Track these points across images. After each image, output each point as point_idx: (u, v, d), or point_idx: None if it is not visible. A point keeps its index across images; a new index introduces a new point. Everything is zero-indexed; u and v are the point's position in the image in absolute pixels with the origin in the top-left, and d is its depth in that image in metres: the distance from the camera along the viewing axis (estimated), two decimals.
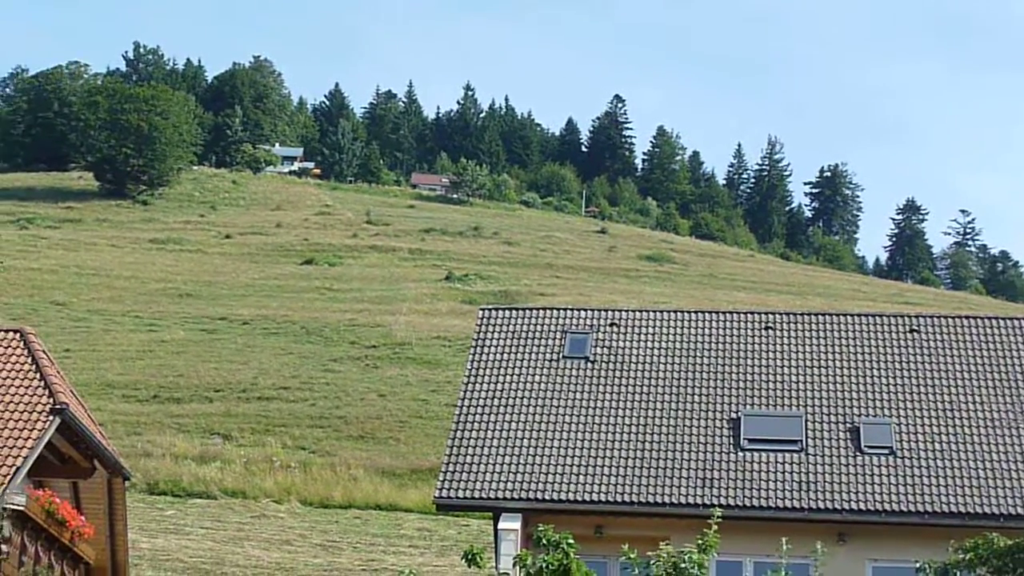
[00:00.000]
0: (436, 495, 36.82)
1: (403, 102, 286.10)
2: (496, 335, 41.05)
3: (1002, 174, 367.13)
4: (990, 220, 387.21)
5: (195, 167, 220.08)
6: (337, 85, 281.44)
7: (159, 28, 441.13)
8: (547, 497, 36.14)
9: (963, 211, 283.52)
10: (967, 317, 42.87)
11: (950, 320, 41.67)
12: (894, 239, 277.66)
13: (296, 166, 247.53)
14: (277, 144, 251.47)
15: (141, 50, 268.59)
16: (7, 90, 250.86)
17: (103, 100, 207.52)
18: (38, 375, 35.06)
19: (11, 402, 34.22)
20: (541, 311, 43.04)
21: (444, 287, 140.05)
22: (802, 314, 42.57)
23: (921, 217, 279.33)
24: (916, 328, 40.76)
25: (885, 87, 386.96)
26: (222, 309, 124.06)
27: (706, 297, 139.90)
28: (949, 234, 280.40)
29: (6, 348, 35.99)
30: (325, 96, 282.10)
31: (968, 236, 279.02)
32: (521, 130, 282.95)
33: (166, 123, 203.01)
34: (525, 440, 37.51)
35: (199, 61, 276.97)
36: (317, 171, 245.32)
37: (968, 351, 39.95)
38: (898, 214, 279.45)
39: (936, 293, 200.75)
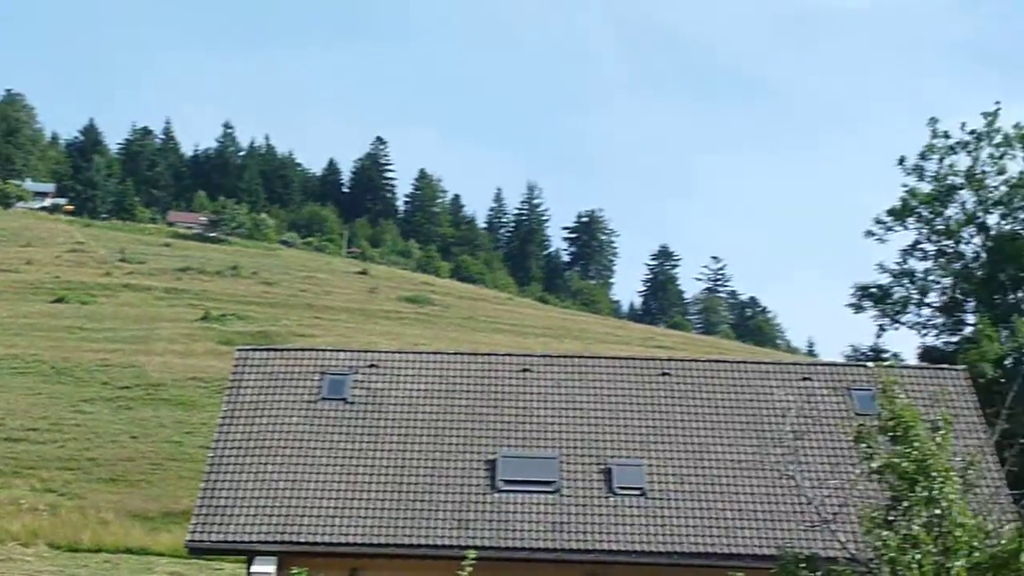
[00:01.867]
0: (189, 538, 36.26)
1: (160, 139, 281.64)
2: (253, 376, 40.67)
3: (752, 224, 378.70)
4: (740, 267, 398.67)
5: None
6: (92, 121, 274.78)
7: None
8: (302, 540, 35.87)
9: (714, 258, 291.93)
10: (716, 361, 44.14)
11: (700, 364, 42.80)
12: (648, 284, 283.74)
13: (48, 202, 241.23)
14: (28, 179, 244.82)
15: None
16: None
17: None
18: None
19: None
20: (299, 352, 42.84)
21: (201, 327, 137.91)
22: (558, 356, 43.25)
23: (674, 263, 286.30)
24: (667, 371, 41.73)
25: (640, 134, 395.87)
26: None
27: (466, 339, 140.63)
28: (701, 280, 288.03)
29: None
30: (79, 132, 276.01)
31: (718, 282, 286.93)
32: (282, 169, 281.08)
33: None
34: (281, 482, 37.18)
35: None
36: (70, 207, 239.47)
37: (717, 394, 41.02)
38: (652, 260, 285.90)
39: (687, 337, 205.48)
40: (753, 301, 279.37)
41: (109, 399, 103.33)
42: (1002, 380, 58.63)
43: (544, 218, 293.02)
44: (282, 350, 43.37)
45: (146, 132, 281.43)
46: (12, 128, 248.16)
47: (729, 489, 37.69)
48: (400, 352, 43.11)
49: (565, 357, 43.17)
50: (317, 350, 42.85)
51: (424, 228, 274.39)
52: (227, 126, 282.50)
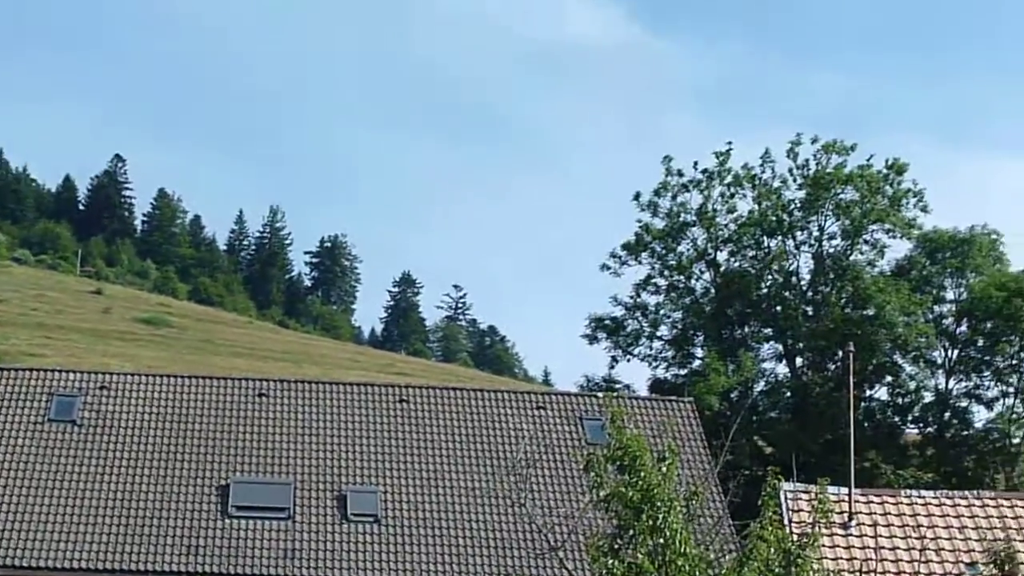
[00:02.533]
0: None
1: None
2: None
3: (493, 253, 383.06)
4: (481, 296, 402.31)
5: None
6: None
7: None
8: (25, 564, 34.95)
9: (456, 286, 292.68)
10: (454, 388, 44.58)
11: (437, 391, 43.19)
12: (390, 311, 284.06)
13: None
14: None
15: None
16: None
17: None
18: None
19: None
20: (27, 372, 41.77)
21: None
22: (295, 381, 43.11)
23: (416, 290, 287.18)
24: (405, 399, 41.99)
25: (383, 162, 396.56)
26: None
27: (203, 363, 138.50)
28: (442, 308, 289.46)
29: None
30: None
31: (459, 310, 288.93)
32: (14, 184, 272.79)
33: None
34: (4, 505, 36.14)
35: None
36: None
37: (454, 422, 41.43)
38: (394, 286, 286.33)
39: (427, 365, 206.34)
40: (492, 330, 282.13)
41: None
42: (727, 412, 60.62)
43: (287, 241, 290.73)
44: (8, 370, 42.21)
45: None
46: None
47: (462, 516, 38.07)
48: (133, 374, 42.40)
49: (303, 382, 43.08)
50: (45, 370, 41.88)
51: (162, 248, 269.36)
52: None
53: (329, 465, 39.12)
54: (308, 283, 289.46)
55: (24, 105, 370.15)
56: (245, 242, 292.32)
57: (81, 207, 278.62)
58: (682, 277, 69.52)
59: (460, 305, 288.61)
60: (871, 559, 27.68)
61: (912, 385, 68.51)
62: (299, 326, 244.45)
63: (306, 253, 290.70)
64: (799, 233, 69.17)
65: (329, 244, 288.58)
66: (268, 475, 38.47)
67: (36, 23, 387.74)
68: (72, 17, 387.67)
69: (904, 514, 29.86)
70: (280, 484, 38.13)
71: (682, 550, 21.99)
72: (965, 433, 68.93)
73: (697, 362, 67.70)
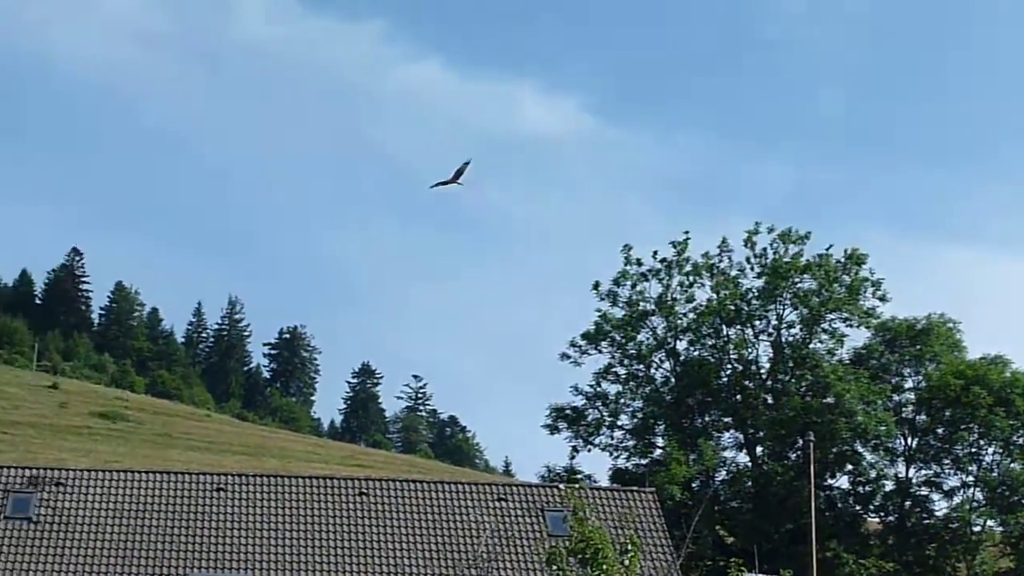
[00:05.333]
0: None
1: None
2: None
3: (453, 341, 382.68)
4: (441, 386, 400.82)
5: None
6: None
7: None
8: None
9: (415, 376, 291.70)
10: (414, 481, 44.32)
11: (399, 483, 42.93)
12: (349, 402, 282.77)
13: None
14: None
15: None
16: None
17: None
18: None
19: None
20: None
21: None
22: (255, 475, 42.78)
23: (376, 381, 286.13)
24: (365, 491, 41.70)
25: (344, 253, 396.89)
26: None
27: (160, 456, 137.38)
28: (402, 398, 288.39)
29: None
30: None
31: (419, 401, 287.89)
32: None
33: None
34: None
35: None
36: None
37: (414, 514, 41.15)
38: (354, 377, 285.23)
39: (388, 456, 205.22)
40: (453, 420, 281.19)
41: None
42: (689, 502, 60.40)
43: (245, 333, 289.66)
44: None
45: None
46: None
47: None
48: (89, 470, 41.99)
49: (262, 476, 42.76)
50: (1, 467, 41.39)
51: (120, 342, 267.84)
52: None
53: (289, 559, 38.75)
54: (267, 375, 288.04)
55: None
56: (203, 334, 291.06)
57: (38, 301, 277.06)
58: (642, 366, 69.55)
59: (420, 395, 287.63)
60: None
61: (873, 473, 68.54)
62: (258, 419, 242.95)
63: (265, 344, 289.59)
64: (758, 322, 69.43)
65: (288, 335, 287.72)
66: (227, 570, 38.07)
67: None
68: (26, 114, 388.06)
69: None
70: None
71: None
72: (926, 522, 68.97)
73: (658, 451, 67.58)
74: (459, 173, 31.40)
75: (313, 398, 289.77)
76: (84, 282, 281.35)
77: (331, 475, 46.56)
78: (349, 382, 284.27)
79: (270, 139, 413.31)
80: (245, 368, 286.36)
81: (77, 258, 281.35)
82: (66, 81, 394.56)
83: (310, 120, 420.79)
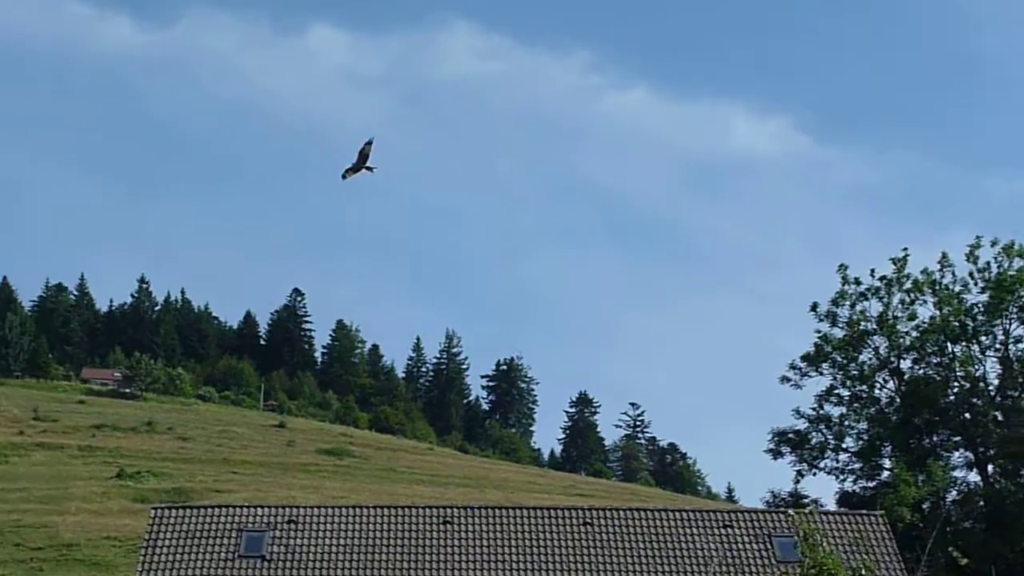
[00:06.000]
0: None
1: (74, 295, 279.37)
2: (169, 534, 40.08)
3: (670, 368, 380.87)
4: (659, 413, 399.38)
5: None
6: (4, 278, 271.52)
7: None
8: None
9: (633, 404, 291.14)
10: (637, 509, 44.04)
11: (621, 512, 42.72)
12: (568, 431, 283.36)
13: None
14: None
15: None
16: None
17: None
18: None
19: None
20: (216, 509, 42.30)
21: (115, 485, 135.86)
22: (479, 508, 43.01)
23: (593, 410, 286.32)
24: (589, 521, 41.61)
25: (557, 283, 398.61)
26: None
27: (386, 491, 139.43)
28: (620, 426, 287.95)
29: None
30: None
31: (638, 428, 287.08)
32: (198, 323, 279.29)
33: None
34: None
35: None
36: None
37: (639, 543, 40.90)
38: (571, 407, 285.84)
39: (608, 485, 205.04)
40: (673, 447, 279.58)
41: (21, 560, 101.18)
42: (920, 524, 58.98)
43: (463, 366, 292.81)
44: (198, 507, 42.86)
45: (60, 288, 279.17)
46: None
47: None
48: (319, 507, 42.71)
49: (486, 508, 42.99)
50: (234, 507, 42.38)
51: (342, 379, 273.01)
52: (142, 280, 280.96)
53: None
54: (486, 406, 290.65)
55: (205, 247, 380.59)
56: (423, 369, 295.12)
57: (262, 342, 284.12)
58: (865, 387, 68.26)
59: (638, 423, 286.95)
60: None
61: None
62: (479, 451, 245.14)
63: (483, 377, 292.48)
64: (984, 338, 67.59)
65: (505, 367, 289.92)
66: None
67: (218, 168, 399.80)
68: (244, 160, 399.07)
69: None
70: None
71: None
72: None
73: (885, 473, 66.22)
74: (365, 156, 29.59)
75: (532, 428, 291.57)
76: (306, 322, 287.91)
77: (554, 505, 46.65)
78: (567, 411, 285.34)
79: (481, 174, 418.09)
80: (464, 401, 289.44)
81: (299, 298, 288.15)
82: (277, 126, 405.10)
83: (520, 152, 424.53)
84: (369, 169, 29.41)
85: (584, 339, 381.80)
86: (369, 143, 29.40)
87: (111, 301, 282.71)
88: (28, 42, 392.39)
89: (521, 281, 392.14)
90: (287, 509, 42.08)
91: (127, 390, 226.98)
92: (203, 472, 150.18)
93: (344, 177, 29.76)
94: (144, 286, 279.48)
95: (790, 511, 43.78)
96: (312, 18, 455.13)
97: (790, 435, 68.19)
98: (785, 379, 68.73)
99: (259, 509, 41.68)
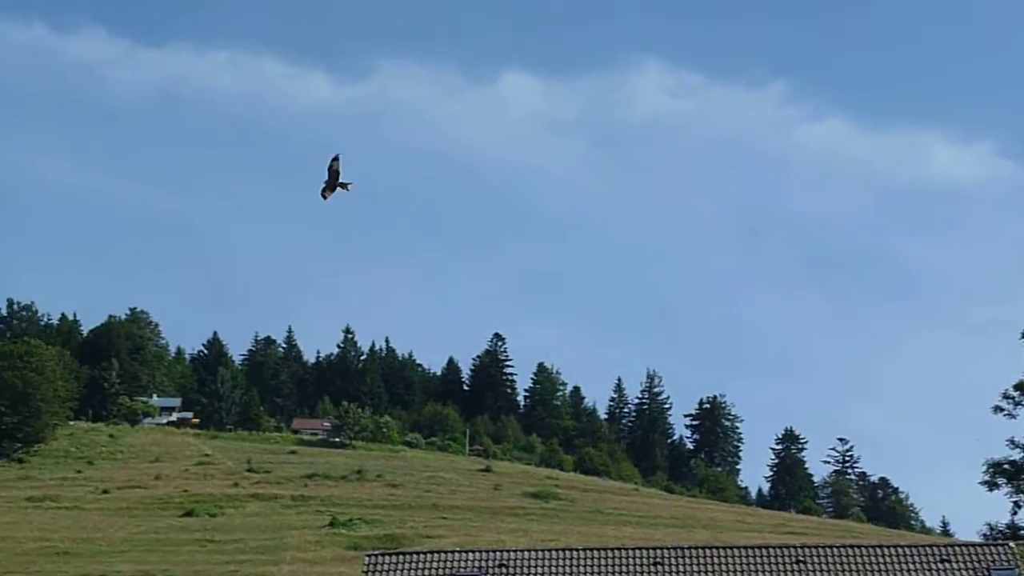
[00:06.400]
0: None
1: (283, 348, 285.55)
2: None
3: (878, 401, 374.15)
4: (868, 447, 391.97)
5: (71, 422, 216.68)
6: (216, 334, 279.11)
7: (33, 284, 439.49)
8: None
9: (841, 439, 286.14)
10: (851, 546, 43.35)
11: (835, 549, 42.07)
12: (775, 469, 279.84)
13: (175, 416, 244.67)
14: (155, 395, 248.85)
15: (15, 307, 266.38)
16: None
17: None
18: None
19: None
20: (428, 555, 42.77)
21: (328, 533, 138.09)
22: (689, 548, 42.78)
23: (800, 446, 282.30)
24: (802, 559, 41.07)
25: (758, 319, 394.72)
26: (100, 566, 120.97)
27: (593, 533, 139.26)
28: (828, 462, 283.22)
29: None
30: (203, 345, 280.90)
31: (847, 464, 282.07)
32: (402, 371, 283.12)
33: (41, 379, 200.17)
34: None
35: (74, 315, 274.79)
36: (196, 420, 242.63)
37: None
38: (777, 444, 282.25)
39: (819, 522, 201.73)
40: (884, 482, 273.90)
41: None
42: None
43: (666, 406, 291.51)
44: (410, 553, 43.35)
45: (269, 342, 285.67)
46: (137, 345, 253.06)
47: None
48: (528, 550, 42.90)
49: (696, 548, 42.73)
50: (446, 552, 42.80)
51: (545, 422, 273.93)
52: (347, 331, 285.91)
53: None
54: (690, 446, 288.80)
55: (406, 296, 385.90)
56: (625, 409, 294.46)
57: (465, 387, 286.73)
58: None
59: (847, 458, 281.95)
60: None
61: None
62: (685, 490, 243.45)
63: (686, 416, 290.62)
64: None
65: (708, 405, 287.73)
66: None
67: (415, 219, 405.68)
68: (447, 211, 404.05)
69: None
70: None
71: None
72: None
73: None
74: (335, 173, 29.04)
75: (738, 467, 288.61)
76: (508, 366, 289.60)
77: (765, 544, 46.08)
78: (773, 448, 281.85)
79: (677, 212, 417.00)
80: (668, 440, 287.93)
81: (500, 343, 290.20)
82: (471, 174, 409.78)
83: (715, 188, 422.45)
84: (344, 186, 29.48)
85: (788, 375, 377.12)
86: (336, 159, 29.54)
87: (318, 352, 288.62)
88: (224, 102, 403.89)
89: (721, 318, 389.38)
90: (498, 553, 42.32)
91: (336, 439, 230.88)
92: (413, 518, 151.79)
93: (324, 197, 29.94)
94: (349, 336, 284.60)
95: (1010, 543, 42.70)
96: (503, 66, 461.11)
97: (1005, 466, 66.48)
98: (998, 408, 67.08)
99: (470, 554, 42.02)
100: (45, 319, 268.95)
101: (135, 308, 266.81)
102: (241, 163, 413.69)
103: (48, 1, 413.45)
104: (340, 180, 29.57)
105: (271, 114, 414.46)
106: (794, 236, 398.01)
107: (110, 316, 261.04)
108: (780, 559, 41.22)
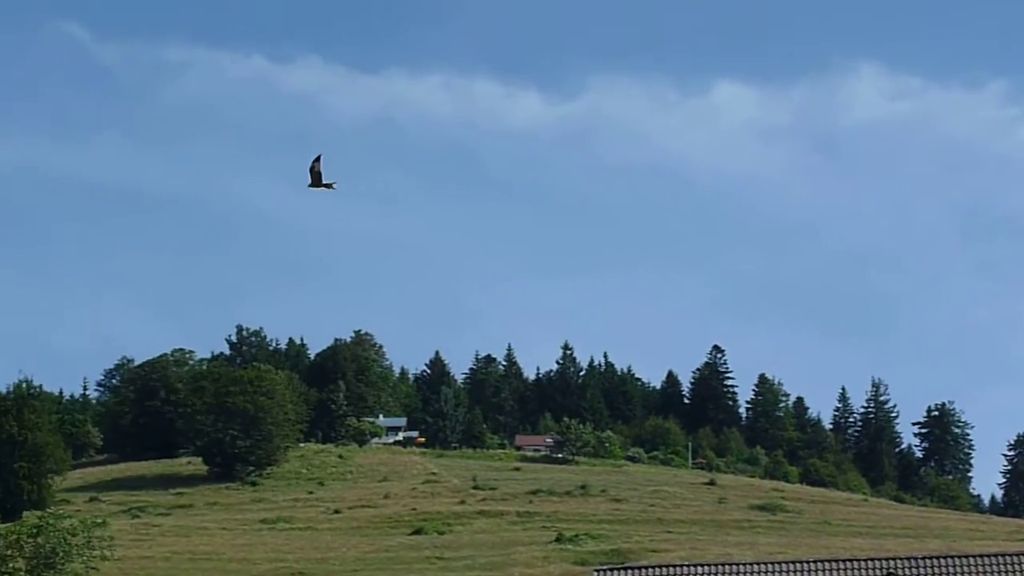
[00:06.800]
0: None
1: (503, 365, 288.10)
2: None
3: None
4: None
5: (302, 444, 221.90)
6: (438, 353, 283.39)
7: (261, 311, 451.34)
8: None
9: None
10: None
11: None
12: (1008, 475, 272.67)
13: (401, 436, 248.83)
14: (381, 415, 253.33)
15: (244, 333, 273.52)
16: (114, 381, 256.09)
17: (209, 384, 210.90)
18: None
19: None
20: (657, 568, 42.80)
21: (555, 549, 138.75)
22: (923, 558, 42.04)
23: None
24: None
25: (986, 322, 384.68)
26: None
27: (822, 545, 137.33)
28: None
29: None
30: (426, 365, 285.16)
31: None
32: (622, 385, 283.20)
33: (271, 403, 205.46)
34: None
35: (301, 339, 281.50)
36: (421, 439, 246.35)
37: None
38: (1010, 450, 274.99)
39: None
40: None
41: None
42: None
43: (893, 414, 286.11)
44: (638, 568, 43.45)
45: (489, 360, 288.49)
46: (363, 367, 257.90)
47: None
48: (757, 563, 42.61)
49: (930, 558, 41.94)
50: (674, 566, 42.77)
51: (769, 433, 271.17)
52: (566, 347, 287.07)
53: None
54: (919, 454, 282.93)
55: (624, 310, 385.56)
56: (850, 419, 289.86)
57: (686, 400, 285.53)
58: None
59: None
60: None
61: None
62: (915, 500, 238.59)
63: (913, 424, 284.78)
64: None
65: (937, 412, 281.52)
66: None
67: (629, 234, 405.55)
68: (664, 224, 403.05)
69: None
70: None
71: None
72: None
73: None
74: (317, 174, 28.37)
75: (970, 474, 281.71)
76: (728, 378, 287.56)
77: (1001, 552, 44.98)
78: (1005, 455, 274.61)
79: (899, 215, 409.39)
80: (896, 449, 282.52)
81: (719, 355, 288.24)
82: (686, 185, 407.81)
83: (939, 190, 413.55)
84: (328, 186, 29.43)
85: (1019, 379, 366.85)
86: (317, 159, 29.50)
87: (538, 369, 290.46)
88: (438, 124, 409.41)
89: (950, 324, 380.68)
90: (725, 566, 42.16)
91: (559, 455, 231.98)
92: (638, 532, 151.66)
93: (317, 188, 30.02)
94: (568, 352, 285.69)
95: None
96: (715, 76, 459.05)
97: None
98: None
99: (698, 568, 41.93)
100: (274, 344, 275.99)
101: (359, 330, 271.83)
102: (456, 184, 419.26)
103: (265, 34, 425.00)
104: (324, 181, 30.01)
105: (483, 135, 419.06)
106: (1019, 236, 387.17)
107: (336, 339, 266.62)
108: (1018, 567, 40.23)
